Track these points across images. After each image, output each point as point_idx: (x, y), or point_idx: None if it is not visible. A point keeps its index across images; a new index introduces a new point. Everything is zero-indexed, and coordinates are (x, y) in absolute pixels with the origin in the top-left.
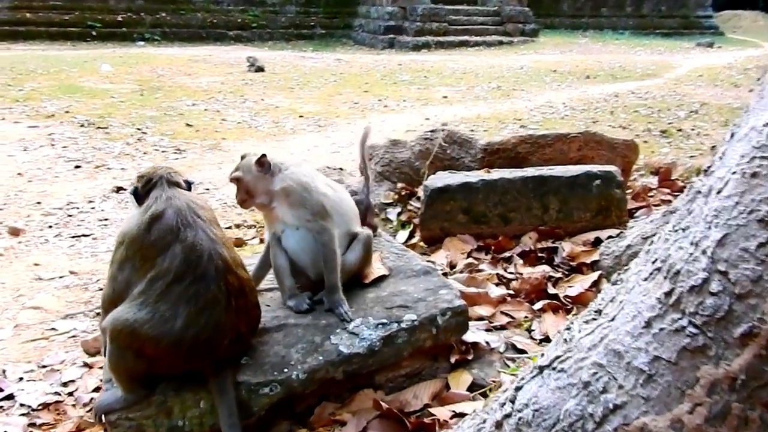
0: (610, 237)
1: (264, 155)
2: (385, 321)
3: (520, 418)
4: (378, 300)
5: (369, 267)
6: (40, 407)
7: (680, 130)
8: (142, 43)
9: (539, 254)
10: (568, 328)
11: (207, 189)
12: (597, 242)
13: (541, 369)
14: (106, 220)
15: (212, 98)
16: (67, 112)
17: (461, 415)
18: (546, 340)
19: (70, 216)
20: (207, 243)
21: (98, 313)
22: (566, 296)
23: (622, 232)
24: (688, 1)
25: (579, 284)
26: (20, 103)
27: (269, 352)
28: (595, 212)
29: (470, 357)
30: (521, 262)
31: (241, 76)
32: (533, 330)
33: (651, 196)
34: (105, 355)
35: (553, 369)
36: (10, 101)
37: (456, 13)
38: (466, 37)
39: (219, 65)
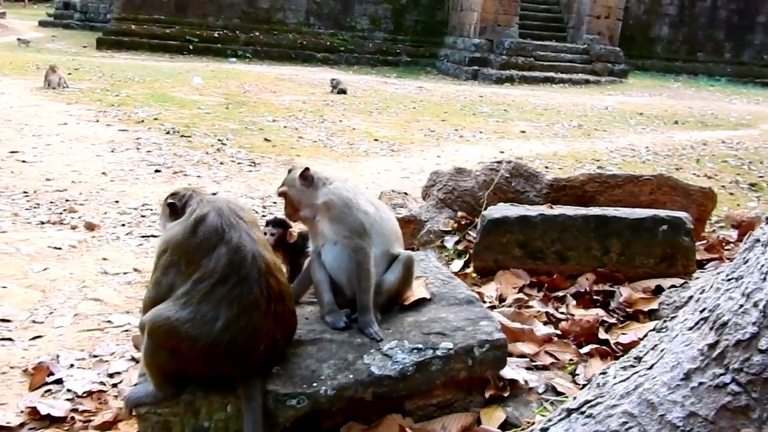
0: (672, 286)
1: (307, 169)
2: (420, 346)
3: None
4: (416, 324)
5: (409, 289)
6: (84, 395)
7: None
8: (234, 59)
9: (594, 297)
10: (604, 373)
11: (274, 202)
12: (658, 290)
13: (570, 412)
14: None
15: (292, 116)
16: (155, 119)
17: None
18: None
19: (143, 216)
20: (250, 244)
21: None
22: (617, 343)
23: (686, 282)
24: None
25: (633, 332)
26: (114, 107)
27: (301, 364)
28: (660, 259)
29: (506, 394)
30: (574, 302)
31: (323, 97)
32: (577, 374)
33: (727, 249)
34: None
35: (582, 413)
36: (106, 105)
37: (543, 49)
38: (551, 74)
39: (303, 85)
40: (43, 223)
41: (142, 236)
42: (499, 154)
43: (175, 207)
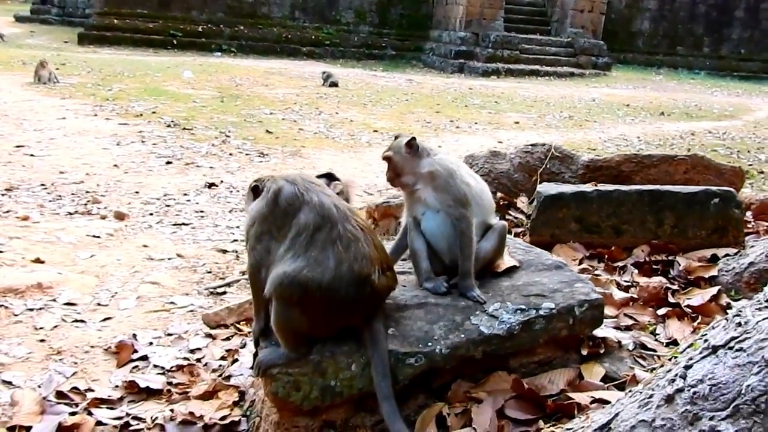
0: (726, 255)
1: (413, 138)
2: (523, 307)
3: (694, 393)
4: (513, 288)
5: (501, 258)
6: (174, 369)
7: (762, 172)
8: (219, 53)
9: (654, 266)
10: (738, 314)
11: None
12: (713, 259)
13: (715, 349)
14: (201, 212)
15: (289, 109)
16: (153, 112)
17: (601, 401)
18: (673, 343)
19: (167, 206)
20: (328, 200)
21: (211, 292)
22: (688, 305)
23: (739, 251)
24: None
25: (699, 296)
26: (110, 102)
27: (413, 326)
28: (711, 231)
29: (601, 351)
30: (636, 272)
31: (316, 90)
32: (658, 334)
33: (750, 227)
34: (256, 322)
35: (730, 348)
36: (101, 100)
37: (529, 42)
38: (536, 67)
39: (294, 78)
40: (71, 213)
41: (174, 224)
42: (498, 144)
43: (258, 189)
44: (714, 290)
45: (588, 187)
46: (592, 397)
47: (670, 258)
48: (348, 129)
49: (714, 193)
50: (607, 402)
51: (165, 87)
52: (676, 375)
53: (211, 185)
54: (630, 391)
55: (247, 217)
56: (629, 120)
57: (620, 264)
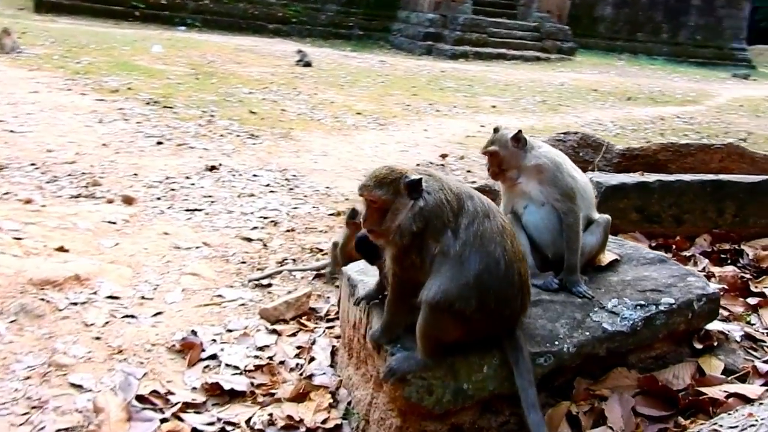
0: None
1: (520, 131)
2: (642, 303)
3: None
4: (624, 283)
5: (603, 252)
6: (253, 368)
7: None
8: (183, 28)
9: (721, 255)
10: None
11: (294, 176)
12: None
13: None
14: (210, 196)
15: (266, 88)
16: (129, 89)
17: (737, 396)
18: None
19: (173, 190)
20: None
21: (256, 285)
22: None
23: None
24: (723, 33)
25: None
26: (81, 76)
27: (535, 324)
28: None
29: (715, 343)
30: (708, 261)
31: (290, 69)
32: (753, 323)
33: None
34: (387, 330)
35: None
36: (71, 73)
37: (496, 26)
38: (504, 50)
39: (267, 56)
40: (75, 197)
41: (186, 210)
42: (480, 128)
43: (418, 186)
44: None
45: (649, 177)
46: (725, 391)
47: (734, 247)
48: (330, 111)
49: None
50: (744, 396)
51: (135, 61)
52: None
53: (212, 168)
54: None
55: (406, 215)
56: (599, 105)
57: (687, 254)
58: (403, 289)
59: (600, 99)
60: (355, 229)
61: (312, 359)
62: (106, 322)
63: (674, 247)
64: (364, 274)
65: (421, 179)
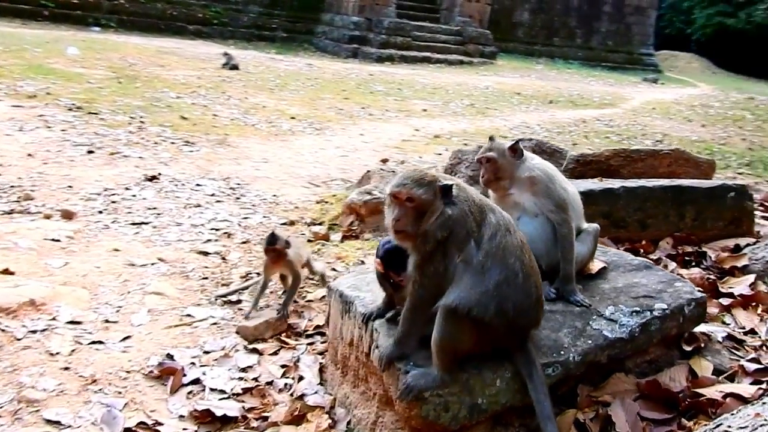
0: (748, 244)
1: (518, 141)
2: (638, 309)
3: None
4: (617, 291)
5: (591, 260)
6: (241, 392)
7: None
8: (97, 28)
9: (685, 258)
10: None
11: (238, 184)
12: (737, 249)
13: None
14: (154, 208)
15: (194, 92)
16: (48, 93)
17: (734, 396)
18: (751, 332)
19: (113, 203)
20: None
21: (225, 301)
22: (741, 294)
23: (758, 240)
24: (632, 39)
25: (743, 284)
26: None
27: (540, 335)
28: (728, 222)
29: (702, 345)
30: (675, 264)
31: (217, 73)
32: (728, 323)
33: None
34: (403, 344)
35: None
36: None
37: (420, 30)
38: (428, 54)
39: (191, 59)
40: (8, 213)
41: (132, 224)
42: (416, 132)
43: (449, 191)
44: (750, 278)
45: (614, 184)
46: (721, 391)
47: (697, 249)
48: (264, 115)
49: (730, 187)
50: (739, 396)
51: (50, 65)
52: None
53: (152, 178)
54: None
55: (433, 221)
56: (524, 108)
57: (653, 257)
58: (423, 299)
59: (524, 102)
60: (274, 256)
61: (301, 378)
62: (73, 350)
63: (642, 251)
64: (357, 290)
65: (452, 185)
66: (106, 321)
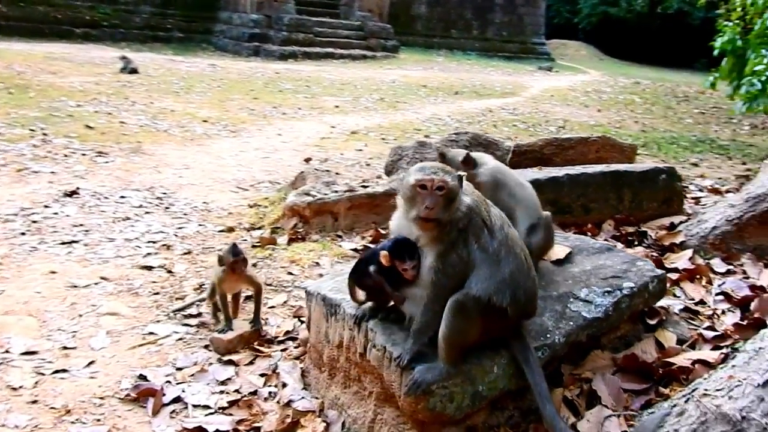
0: (681, 222)
1: (468, 153)
2: (609, 289)
3: None
4: (587, 273)
5: (553, 247)
6: (227, 405)
7: None
8: None
9: (629, 238)
10: None
11: (164, 193)
12: (672, 227)
13: None
14: (81, 225)
15: (95, 99)
16: None
17: (701, 362)
18: (701, 302)
19: (35, 222)
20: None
21: (185, 315)
22: (685, 269)
23: (689, 218)
24: (525, 29)
25: (683, 259)
26: None
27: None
28: (661, 202)
29: (665, 318)
30: (621, 245)
31: (116, 78)
32: (679, 296)
33: None
34: (418, 340)
35: None
36: None
37: (321, 25)
38: (331, 49)
39: (84, 65)
40: None
41: (62, 243)
42: (332, 129)
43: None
44: (689, 253)
45: (559, 172)
46: (689, 359)
47: (637, 229)
48: (174, 120)
49: (661, 170)
50: (706, 362)
51: None
52: None
53: (71, 193)
54: (752, 350)
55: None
56: (432, 100)
57: (600, 239)
58: (447, 287)
59: (431, 94)
60: (240, 268)
61: (284, 385)
62: (36, 382)
63: (589, 234)
64: (340, 292)
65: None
66: (64, 348)
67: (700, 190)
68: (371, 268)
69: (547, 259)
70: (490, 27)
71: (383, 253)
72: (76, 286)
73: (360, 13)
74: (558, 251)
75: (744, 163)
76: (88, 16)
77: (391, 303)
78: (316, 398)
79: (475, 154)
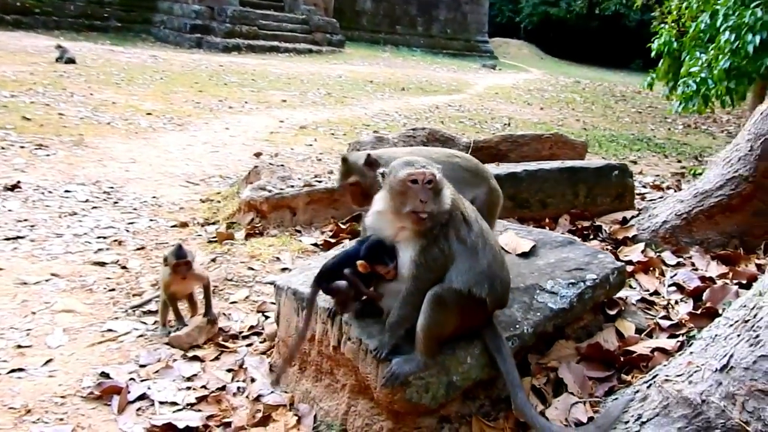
0: (633, 216)
1: (369, 155)
2: (573, 281)
3: None
4: (552, 266)
5: (515, 241)
6: (195, 401)
7: None
8: None
9: (584, 232)
10: None
11: (111, 187)
12: (624, 221)
13: None
14: (26, 220)
15: (31, 90)
16: None
17: (660, 350)
18: (656, 293)
19: None
20: None
21: (144, 312)
22: (638, 261)
23: (639, 213)
24: (469, 27)
25: (636, 252)
26: None
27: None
28: (614, 197)
29: (623, 308)
30: (578, 239)
31: (52, 68)
32: (635, 288)
33: None
34: (395, 333)
35: None
36: None
37: (266, 18)
38: (276, 43)
39: (17, 53)
40: None
41: (6, 239)
42: (281, 123)
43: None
44: (641, 246)
45: (517, 168)
46: (648, 347)
47: (592, 223)
48: (116, 112)
49: (614, 167)
50: (664, 350)
51: None
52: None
53: (12, 187)
54: (708, 337)
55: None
56: (379, 96)
57: (558, 233)
58: (428, 281)
59: (378, 90)
60: (185, 270)
61: (252, 380)
62: None
63: (548, 228)
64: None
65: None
66: (19, 346)
67: (644, 186)
68: (346, 271)
69: (512, 252)
70: (434, 24)
71: (360, 263)
72: (25, 283)
73: (305, 7)
74: (523, 244)
75: (679, 161)
76: (19, 3)
77: (364, 297)
78: (286, 392)
79: (377, 153)
